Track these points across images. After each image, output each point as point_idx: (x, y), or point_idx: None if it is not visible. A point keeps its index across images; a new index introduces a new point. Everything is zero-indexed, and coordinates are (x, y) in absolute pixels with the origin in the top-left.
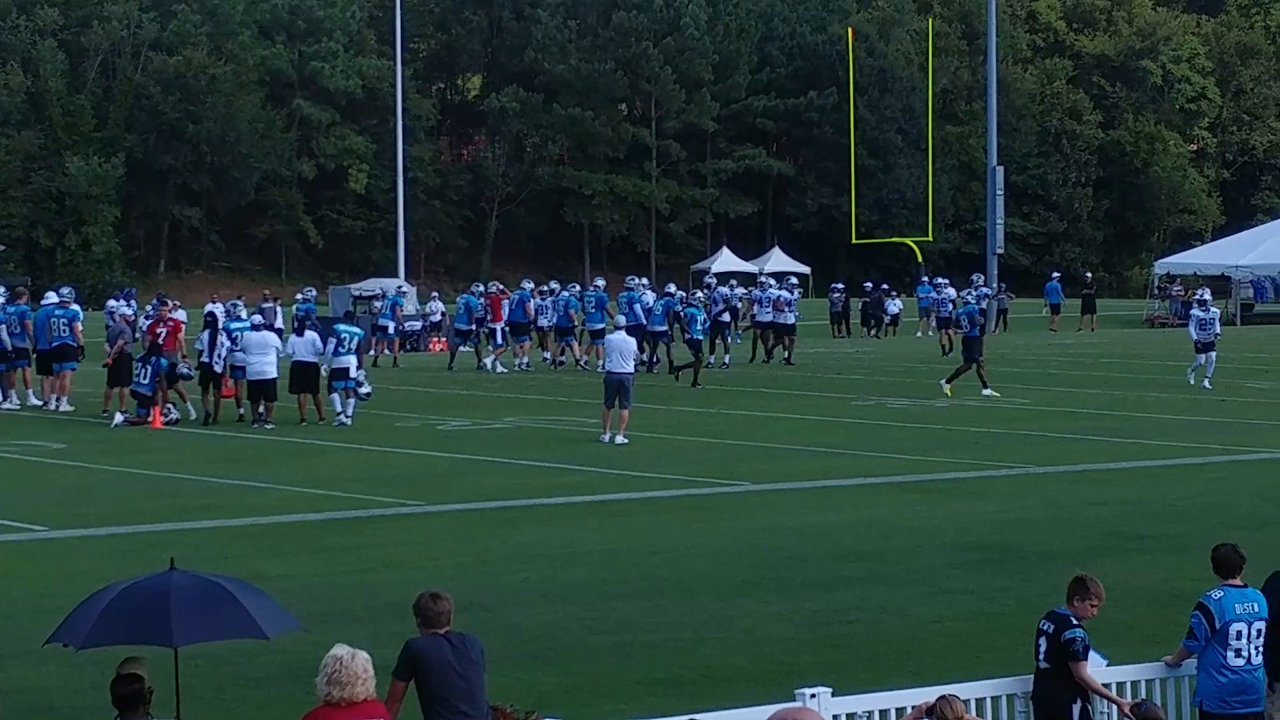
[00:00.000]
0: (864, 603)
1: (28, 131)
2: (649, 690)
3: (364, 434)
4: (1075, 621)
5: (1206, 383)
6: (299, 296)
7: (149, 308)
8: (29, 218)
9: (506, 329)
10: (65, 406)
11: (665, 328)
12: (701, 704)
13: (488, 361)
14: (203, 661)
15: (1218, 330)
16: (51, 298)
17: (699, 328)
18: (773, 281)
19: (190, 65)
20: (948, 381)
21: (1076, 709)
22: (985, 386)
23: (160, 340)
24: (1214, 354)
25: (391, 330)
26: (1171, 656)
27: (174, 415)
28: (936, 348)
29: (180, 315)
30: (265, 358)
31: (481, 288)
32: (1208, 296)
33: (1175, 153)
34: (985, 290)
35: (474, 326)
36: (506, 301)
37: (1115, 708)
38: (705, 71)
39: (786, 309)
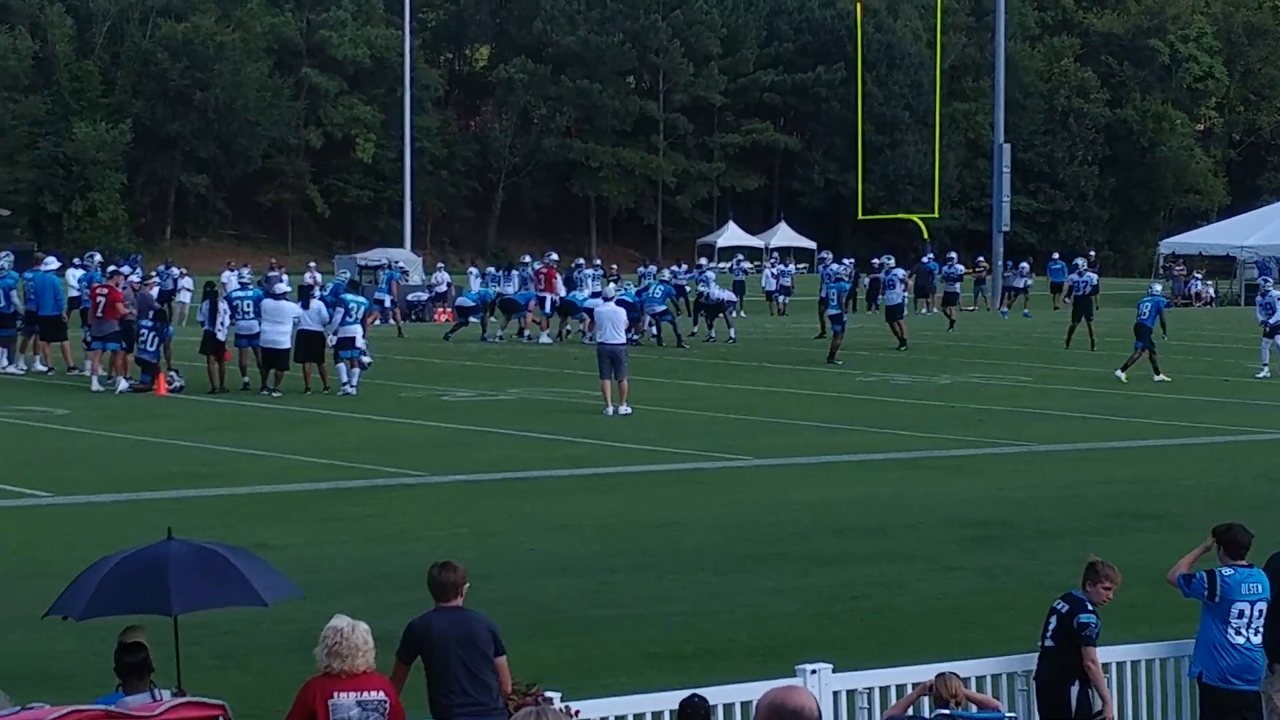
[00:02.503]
0: (865, 579)
1: (35, 97)
2: (650, 664)
3: (368, 403)
4: (1090, 606)
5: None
6: (311, 271)
7: (154, 275)
8: (35, 183)
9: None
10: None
11: (665, 308)
12: (702, 678)
13: (529, 333)
14: (204, 631)
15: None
16: (51, 263)
17: (835, 304)
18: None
19: (198, 32)
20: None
21: (1075, 691)
22: (1157, 373)
23: (99, 309)
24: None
25: (387, 304)
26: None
27: (178, 382)
28: (942, 323)
29: (187, 283)
30: (280, 326)
31: (494, 283)
32: (1266, 282)
33: (1182, 132)
34: (1090, 276)
35: (479, 305)
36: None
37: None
38: (713, 45)
39: (897, 287)
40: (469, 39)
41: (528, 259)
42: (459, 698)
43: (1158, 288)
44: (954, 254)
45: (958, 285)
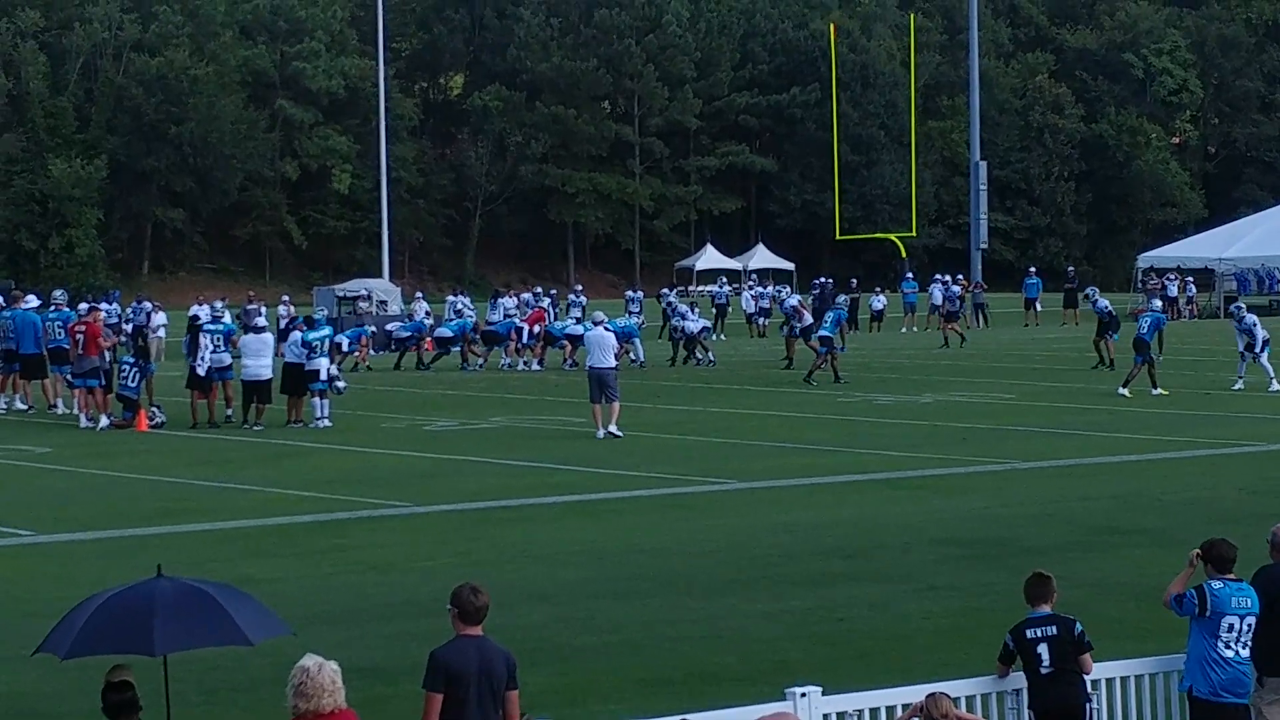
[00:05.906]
0: (852, 600)
1: (10, 134)
2: (638, 690)
3: (350, 435)
4: (1073, 616)
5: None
6: (284, 304)
7: (130, 310)
8: (12, 220)
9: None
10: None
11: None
12: (691, 703)
13: (509, 361)
14: (192, 667)
15: None
16: (30, 301)
17: (829, 326)
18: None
19: (172, 66)
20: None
21: (1090, 708)
22: (1155, 387)
23: (80, 346)
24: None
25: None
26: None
27: (160, 418)
28: (924, 341)
29: (161, 318)
30: (262, 360)
31: (462, 304)
32: (1239, 310)
33: (1157, 146)
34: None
35: (459, 335)
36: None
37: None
38: (688, 68)
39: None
40: (443, 67)
41: (502, 290)
42: None
43: (1157, 303)
44: (949, 275)
45: (958, 304)
